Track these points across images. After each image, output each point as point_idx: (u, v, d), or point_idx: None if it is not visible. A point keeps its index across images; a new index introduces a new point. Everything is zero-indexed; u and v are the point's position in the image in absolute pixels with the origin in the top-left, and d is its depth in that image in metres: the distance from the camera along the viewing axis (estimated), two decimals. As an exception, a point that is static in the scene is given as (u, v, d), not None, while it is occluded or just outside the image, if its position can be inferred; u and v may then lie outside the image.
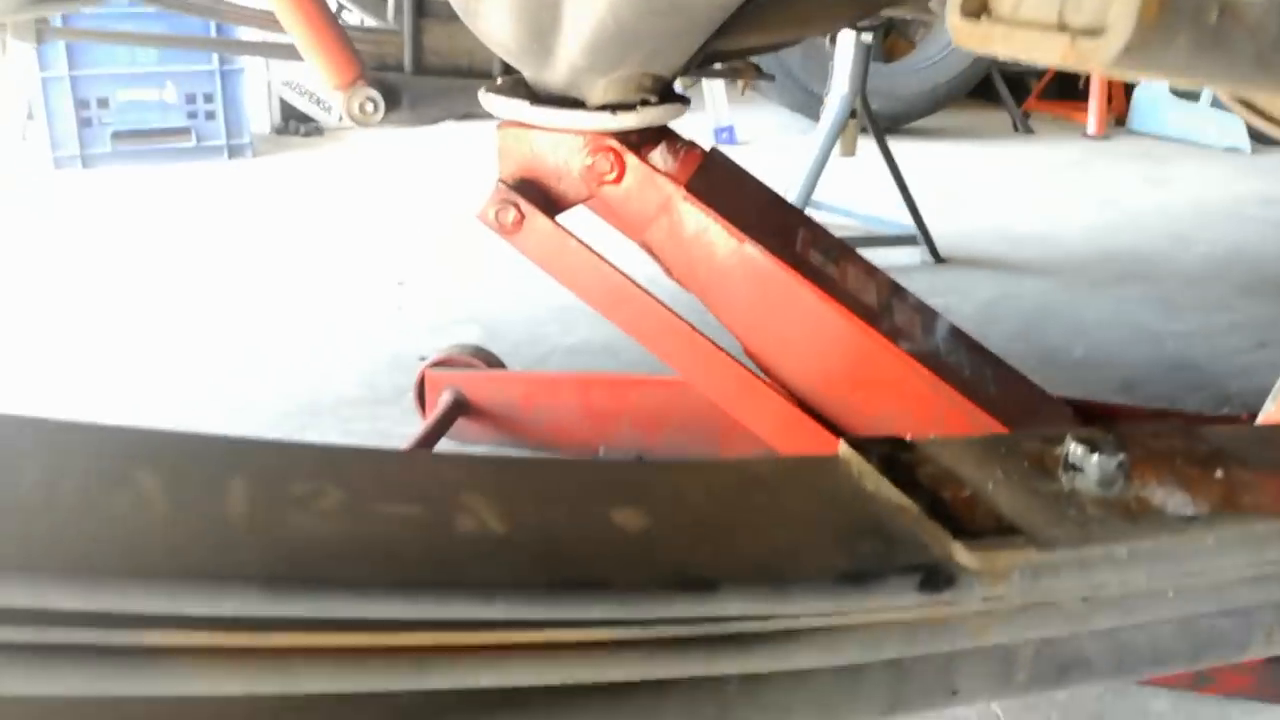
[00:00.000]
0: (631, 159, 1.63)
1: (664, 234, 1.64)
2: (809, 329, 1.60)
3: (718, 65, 2.46)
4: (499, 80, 1.80)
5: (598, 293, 1.64)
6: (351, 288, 3.38)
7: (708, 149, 1.82)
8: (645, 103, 1.64)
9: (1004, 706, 1.58)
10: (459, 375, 2.25)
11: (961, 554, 0.57)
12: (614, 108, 1.62)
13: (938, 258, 3.75)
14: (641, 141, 1.68)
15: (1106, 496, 0.65)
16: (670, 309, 1.62)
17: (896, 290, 1.86)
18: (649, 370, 2.03)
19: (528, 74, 1.70)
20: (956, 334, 1.85)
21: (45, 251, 3.74)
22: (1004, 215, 4.58)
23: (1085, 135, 6.73)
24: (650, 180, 1.63)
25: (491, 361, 2.37)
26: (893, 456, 0.66)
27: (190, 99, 5.16)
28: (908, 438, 0.70)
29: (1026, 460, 0.68)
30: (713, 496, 0.63)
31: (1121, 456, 0.66)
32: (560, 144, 1.65)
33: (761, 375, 1.63)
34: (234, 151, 5.28)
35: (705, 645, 0.53)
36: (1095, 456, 0.66)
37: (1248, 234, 4.38)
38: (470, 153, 4.98)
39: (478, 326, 2.99)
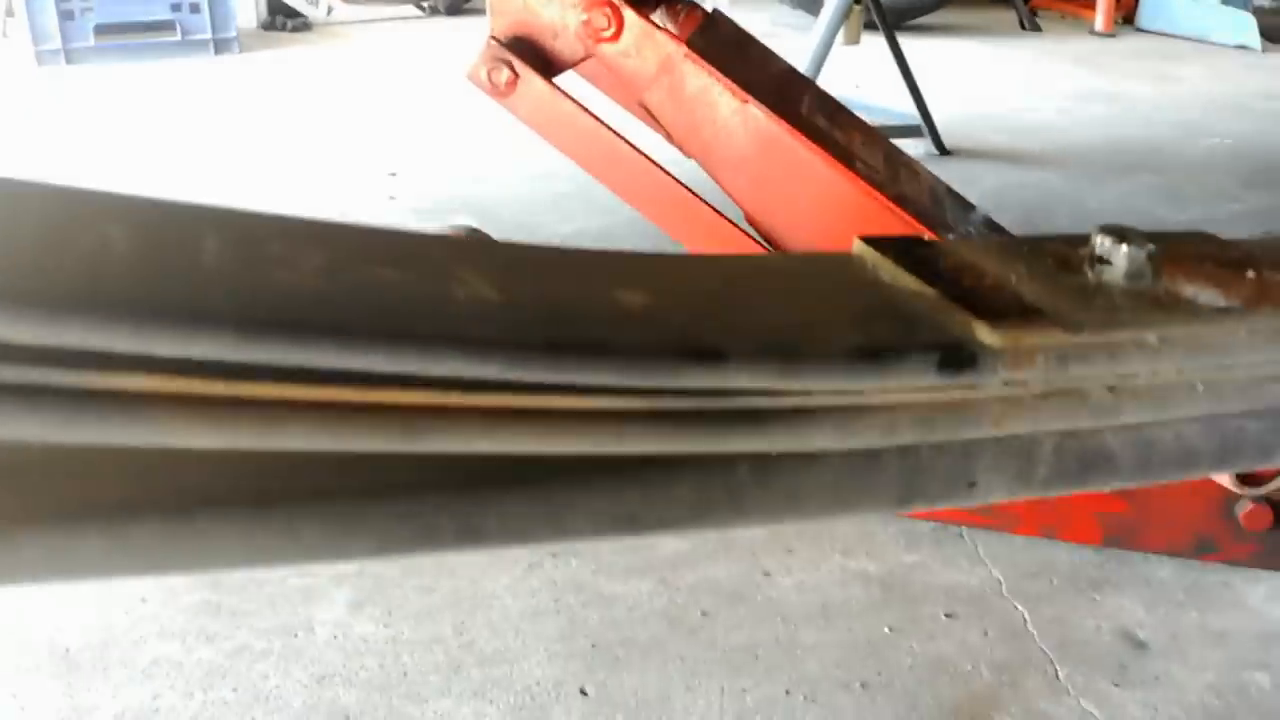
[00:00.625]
0: (630, 14, 1.56)
1: (664, 94, 1.58)
2: (814, 192, 1.55)
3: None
4: (491, -65, 1.72)
5: (592, 154, 1.59)
6: (342, 179, 3.31)
7: (709, 10, 1.75)
8: (644, -45, 1.57)
9: (1005, 573, 1.57)
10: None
11: (985, 334, 0.54)
12: (612, -40, 1.55)
13: (942, 149, 3.67)
14: (640, -1, 1.61)
15: (1135, 288, 0.62)
16: (665, 170, 1.57)
17: (903, 158, 1.81)
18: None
19: (521, -72, 1.62)
20: (961, 202, 1.80)
21: (28, 150, 3.65)
22: (1010, 109, 4.48)
23: (1092, 32, 6.57)
24: (650, 37, 1.56)
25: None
26: (910, 250, 0.63)
27: (174, -9, 5.00)
28: (925, 237, 0.66)
29: (1050, 258, 0.65)
30: (722, 281, 0.59)
31: (1151, 248, 0.63)
32: (555, -1, 1.58)
33: (761, 240, 1.58)
34: (220, 46, 5.14)
35: (714, 420, 0.50)
36: (1124, 248, 0.63)
37: (1254, 128, 4.29)
38: (461, 50, 4.84)
39: (471, 215, 2.94)
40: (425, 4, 6.68)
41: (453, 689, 1.33)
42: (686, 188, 1.57)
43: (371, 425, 0.45)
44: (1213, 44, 6.14)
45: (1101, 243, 0.64)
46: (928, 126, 3.66)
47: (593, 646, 1.41)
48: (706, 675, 1.37)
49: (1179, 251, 0.68)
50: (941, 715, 1.32)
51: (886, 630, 1.46)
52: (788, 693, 1.35)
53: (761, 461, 0.53)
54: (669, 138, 1.65)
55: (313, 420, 0.44)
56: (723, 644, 1.43)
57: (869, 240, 0.64)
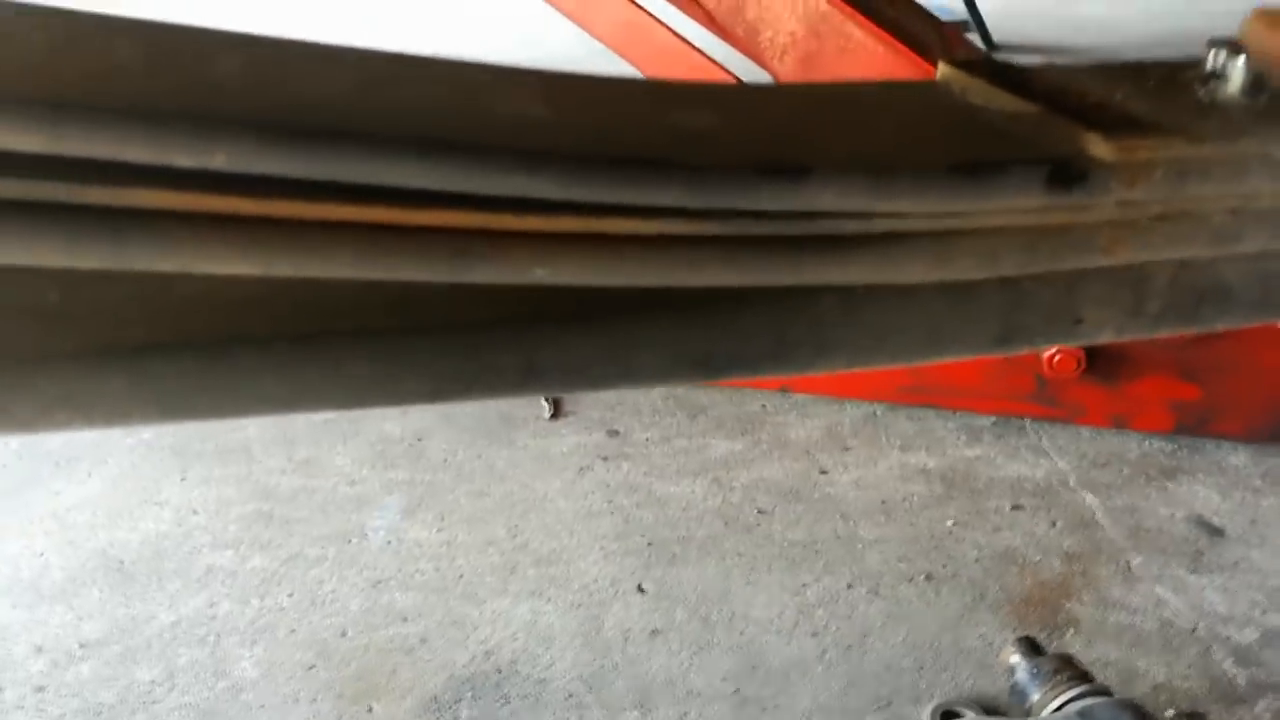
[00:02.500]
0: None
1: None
2: (868, 71, 1.47)
3: None
4: None
5: (622, 31, 1.53)
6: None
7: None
8: None
9: (1073, 464, 1.52)
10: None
11: (1097, 146, 0.48)
12: None
13: (990, 44, 3.52)
14: None
15: (1254, 104, 0.55)
16: (707, 55, 1.50)
17: (956, 34, 1.71)
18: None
19: None
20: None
21: None
22: (1060, 1, 4.28)
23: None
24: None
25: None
26: (1002, 70, 0.57)
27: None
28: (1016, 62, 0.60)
29: (1157, 77, 0.58)
30: (796, 106, 0.53)
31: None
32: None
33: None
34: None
35: (795, 247, 0.45)
36: (1240, 60, 0.56)
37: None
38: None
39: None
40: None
41: (509, 589, 1.31)
42: (720, 65, 1.50)
43: (418, 251, 0.40)
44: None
45: (1215, 56, 0.57)
46: (975, 20, 3.50)
47: (649, 545, 1.38)
48: (766, 571, 1.34)
49: None
50: (1010, 605, 1.28)
51: (950, 524, 1.42)
52: (849, 586, 1.31)
53: (848, 295, 0.48)
54: (708, 23, 1.57)
55: (353, 245, 0.39)
56: (781, 540, 1.39)
57: (956, 63, 0.58)
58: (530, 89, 0.47)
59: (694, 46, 1.55)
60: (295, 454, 1.57)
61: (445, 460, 1.56)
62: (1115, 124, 0.50)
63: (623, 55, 1.56)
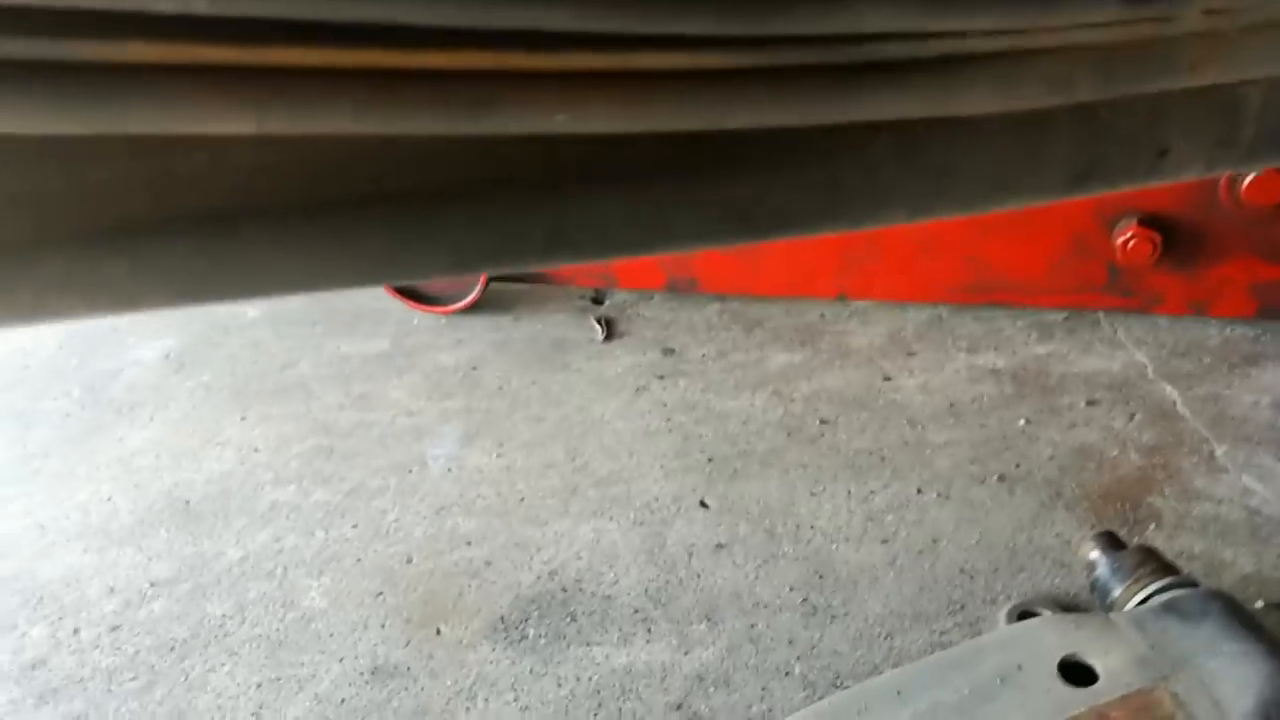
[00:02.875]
0: None
1: None
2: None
3: None
4: None
5: None
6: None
7: None
8: None
9: (1150, 355, 1.45)
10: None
11: (1179, -56, 0.43)
12: None
13: None
14: None
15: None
16: None
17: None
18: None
19: None
20: None
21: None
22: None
23: None
24: None
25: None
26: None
27: None
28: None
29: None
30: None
31: None
32: None
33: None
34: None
35: (842, 77, 0.41)
36: None
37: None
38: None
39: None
40: None
41: (571, 510, 1.30)
42: None
43: (426, 99, 0.37)
44: None
45: None
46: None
47: (709, 461, 1.36)
48: (831, 480, 1.30)
49: None
50: (1088, 502, 1.23)
51: (1022, 424, 1.37)
52: (919, 491, 1.27)
53: (904, 132, 0.43)
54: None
55: (354, 94, 0.36)
56: (846, 449, 1.36)
57: None
58: None
59: None
60: (352, 389, 1.57)
61: (500, 388, 1.54)
62: None
63: None
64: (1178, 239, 1.40)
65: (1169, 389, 1.39)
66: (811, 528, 1.24)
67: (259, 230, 0.39)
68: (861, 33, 0.40)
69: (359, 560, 1.25)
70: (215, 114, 0.35)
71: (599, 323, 1.65)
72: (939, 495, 1.26)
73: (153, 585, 1.24)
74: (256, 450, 1.46)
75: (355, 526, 1.30)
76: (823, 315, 1.62)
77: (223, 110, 0.35)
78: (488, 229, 0.41)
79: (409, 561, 1.24)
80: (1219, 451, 1.28)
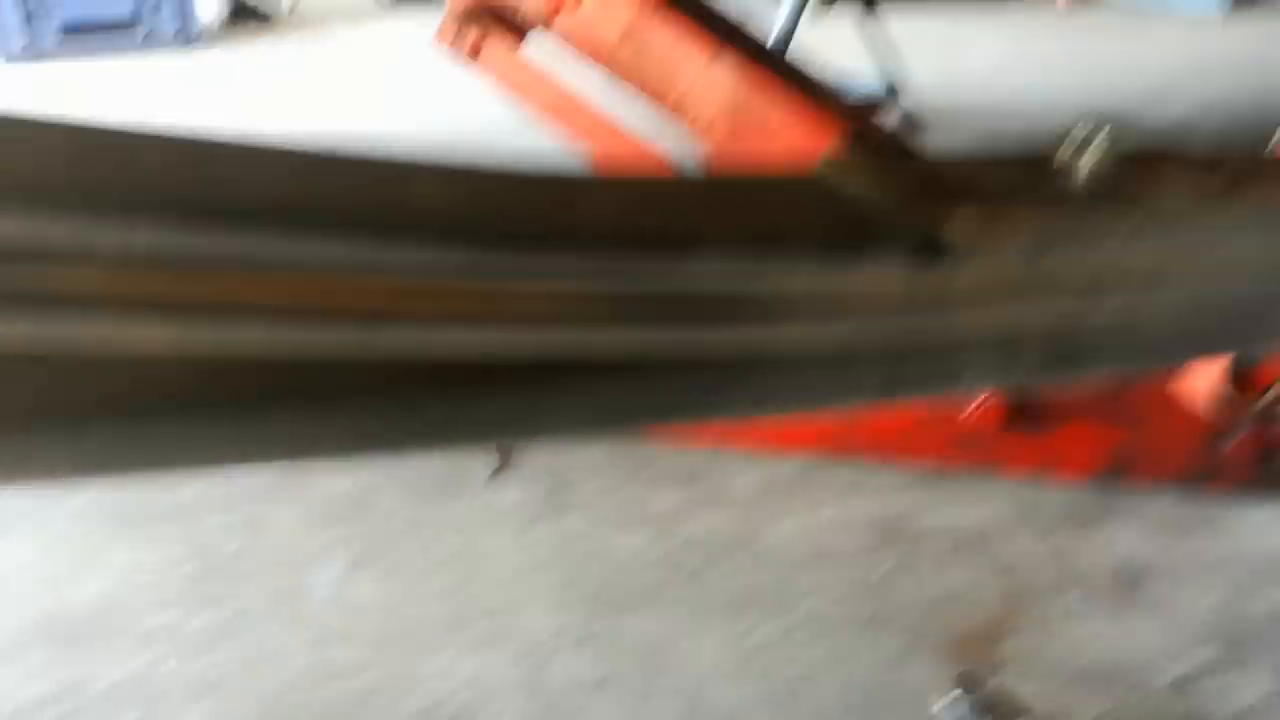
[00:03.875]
0: (593, -23, 1.55)
1: (630, 55, 1.58)
2: (789, 143, 1.55)
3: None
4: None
5: (557, 115, 1.60)
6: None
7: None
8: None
9: (1003, 511, 1.58)
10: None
11: (959, 221, 0.54)
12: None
13: (911, 115, 3.68)
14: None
15: (1105, 184, 0.62)
16: (631, 129, 1.58)
17: (868, 110, 1.82)
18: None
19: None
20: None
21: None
22: (980, 76, 4.50)
23: (1059, 4, 6.60)
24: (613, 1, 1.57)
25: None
26: (879, 154, 0.63)
27: (136, -11, 4.95)
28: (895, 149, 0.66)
29: (1022, 161, 0.65)
30: (690, 191, 0.58)
31: (1121, 146, 0.63)
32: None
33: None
34: (184, 41, 5.08)
35: (687, 313, 0.49)
36: (1094, 146, 0.63)
37: (1218, 94, 4.33)
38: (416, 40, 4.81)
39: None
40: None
41: (454, 642, 1.32)
42: (647, 143, 1.58)
43: (332, 319, 0.44)
44: (1177, 14, 6.18)
45: (1073, 141, 0.64)
46: (897, 92, 3.67)
47: (594, 596, 1.41)
48: (708, 618, 1.37)
49: (1149, 152, 0.68)
50: (947, 646, 1.32)
51: (888, 569, 1.46)
52: (790, 632, 1.35)
53: (739, 354, 0.52)
54: (637, 95, 1.65)
55: (271, 314, 0.43)
56: (723, 589, 1.43)
57: (837, 151, 0.64)
58: (442, 178, 0.52)
59: (621, 124, 1.62)
60: (240, 512, 1.57)
61: (391, 516, 1.57)
62: (976, 205, 0.56)
63: (555, 128, 1.63)
64: (1026, 407, 1.55)
65: (1019, 543, 1.51)
66: (688, 665, 1.29)
67: (172, 416, 0.45)
68: (704, 278, 0.50)
69: (239, 688, 1.24)
70: (143, 333, 0.41)
71: (494, 454, 1.70)
72: (809, 636, 1.34)
73: (24, 708, 1.21)
74: (139, 571, 1.44)
75: (237, 653, 1.30)
76: (708, 458, 1.71)
77: (151, 330, 0.41)
78: (377, 424, 0.47)
79: (291, 689, 1.24)
80: (1066, 602, 1.40)
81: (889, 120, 3.60)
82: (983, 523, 1.56)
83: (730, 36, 1.71)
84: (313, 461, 0.50)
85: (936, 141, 3.26)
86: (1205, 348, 0.66)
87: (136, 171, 0.43)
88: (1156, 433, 1.57)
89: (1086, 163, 0.64)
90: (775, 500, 1.62)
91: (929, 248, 0.54)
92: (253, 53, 5.20)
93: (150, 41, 5.00)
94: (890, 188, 0.59)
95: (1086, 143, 0.65)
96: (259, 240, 0.41)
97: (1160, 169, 0.65)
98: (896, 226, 0.56)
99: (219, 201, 0.41)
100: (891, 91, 3.67)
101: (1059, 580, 1.43)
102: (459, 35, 1.59)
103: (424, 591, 1.41)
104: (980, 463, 1.65)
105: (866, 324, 0.54)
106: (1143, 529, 1.54)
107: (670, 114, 1.60)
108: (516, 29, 1.62)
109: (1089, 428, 1.58)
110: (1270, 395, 1.26)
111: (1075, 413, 1.56)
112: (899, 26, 5.23)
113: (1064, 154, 0.66)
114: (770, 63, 1.68)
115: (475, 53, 1.60)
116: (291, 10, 6.35)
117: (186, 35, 5.10)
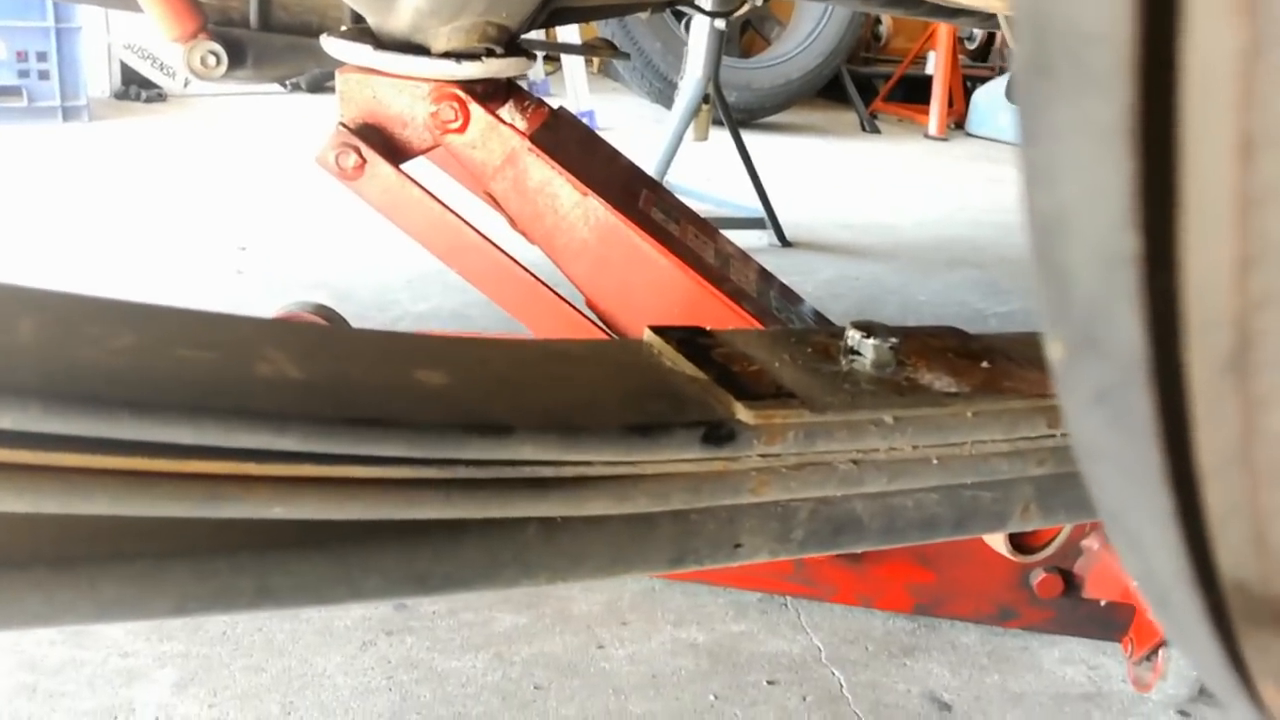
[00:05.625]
0: (476, 109, 1.64)
1: (508, 185, 1.66)
2: (648, 281, 1.65)
3: (574, 41, 2.49)
4: (344, 28, 1.79)
5: (438, 239, 1.65)
6: (189, 253, 3.27)
7: (556, 107, 1.85)
8: (490, 53, 1.66)
9: (824, 640, 1.66)
10: (300, 333, 2.20)
11: (742, 413, 0.62)
12: (458, 56, 1.63)
13: (784, 241, 3.87)
14: (487, 93, 1.69)
15: (880, 376, 0.72)
16: (510, 255, 1.64)
17: (736, 252, 1.93)
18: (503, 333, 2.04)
19: (372, 20, 1.69)
20: (790, 295, 1.93)
21: None
22: (848, 206, 4.76)
23: (927, 135, 7.05)
24: (495, 130, 1.64)
25: (335, 321, 2.33)
26: (691, 339, 0.71)
27: (22, 57, 4.87)
28: (707, 328, 0.75)
29: (812, 348, 0.74)
30: (516, 364, 0.66)
31: (894, 341, 0.73)
32: (404, 90, 1.65)
33: (601, 325, 1.66)
34: (69, 114, 5.01)
35: (501, 488, 0.56)
36: (871, 341, 0.73)
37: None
38: (318, 126, 4.85)
39: (325, 292, 2.94)
40: (287, 81, 6.67)
41: (278, 768, 1.32)
42: (530, 273, 1.64)
43: (174, 493, 0.49)
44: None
45: (852, 336, 0.73)
46: (771, 219, 3.87)
47: (424, 722, 1.42)
48: (536, 747, 1.40)
49: (923, 344, 0.78)
50: (759, 779, 1.38)
51: (712, 698, 1.52)
52: (615, 762, 1.39)
53: (546, 525, 0.59)
54: (513, 225, 1.72)
55: (117, 488, 0.48)
56: (555, 716, 1.46)
57: (657, 329, 0.72)
58: (289, 349, 0.58)
59: (499, 247, 1.68)
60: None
61: (224, 633, 1.56)
62: (762, 393, 0.65)
63: (433, 250, 1.69)
64: (847, 543, 1.65)
65: (838, 673, 1.59)
66: (511, 794, 1.31)
67: (13, 577, 0.49)
68: (515, 459, 0.56)
69: (45, 815, 1.22)
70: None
71: (337, 572, 1.71)
72: (631, 766, 1.38)
73: None
74: (-50, 686, 1.40)
75: (47, 777, 1.27)
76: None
77: (5, 498, 0.46)
78: (206, 584, 0.52)
79: (100, 818, 1.22)
80: (872, 735, 1.47)
81: (763, 240, 3.79)
82: (805, 652, 1.63)
83: (605, 171, 1.81)
84: (140, 620, 0.54)
85: (800, 266, 3.44)
86: (958, 530, 0.75)
87: (6, 348, 0.48)
88: (966, 572, 1.69)
89: (866, 356, 0.73)
90: (614, 624, 1.67)
91: (719, 432, 0.62)
92: (141, 128, 5.15)
93: (34, 112, 4.91)
94: (697, 367, 0.67)
95: (865, 336, 0.74)
96: (116, 424, 0.46)
97: (931, 360, 0.75)
98: (695, 408, 0.63)
99: (81, 384, 0.46)
100: (769, 211, 3.86)
101: (869, 713, 1.51)
102: (340, 157, 1.65)
103: (250, 715, 1.40)
104: (810, 592, 1.74)
105: (664, 495, 0.61)
106: (951, 663, 1.64)
107: (543, 245, 1.68)
108: (398, 153, 1.69)
109: (906, 564, 1.68)
110: (1052, 547, 1.38)
111: (893, 550, 1.67)
112: (775, 149, 5.51)
113: (847, 346, 0.75)
114: (639, 199, 1.78)
115: (357, 174, 1.65)
116: (186, 85, 6.32)
117: (72, 108, 5.02)
